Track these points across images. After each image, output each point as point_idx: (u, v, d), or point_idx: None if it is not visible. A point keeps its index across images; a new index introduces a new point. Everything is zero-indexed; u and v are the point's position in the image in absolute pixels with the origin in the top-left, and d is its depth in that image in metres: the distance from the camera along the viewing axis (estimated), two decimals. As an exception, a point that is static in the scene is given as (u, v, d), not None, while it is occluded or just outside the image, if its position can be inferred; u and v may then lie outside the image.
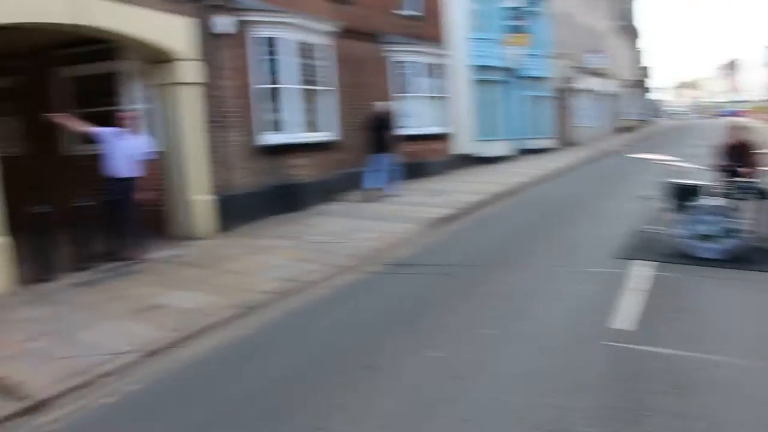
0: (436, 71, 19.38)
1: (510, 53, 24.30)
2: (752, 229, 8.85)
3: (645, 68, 72.44)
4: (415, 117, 17.94)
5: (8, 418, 4.72)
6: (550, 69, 29.27)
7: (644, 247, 9.17)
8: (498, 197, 14.86)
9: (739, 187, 8.74)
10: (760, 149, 9.56)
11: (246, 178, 11.86)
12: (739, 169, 9.12)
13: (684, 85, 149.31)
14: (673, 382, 4.95)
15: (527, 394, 4.83)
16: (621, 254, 8.95)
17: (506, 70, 24.33)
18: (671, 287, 7.43)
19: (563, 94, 31.86)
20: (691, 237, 8.53)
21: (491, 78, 23.17)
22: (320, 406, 4.75)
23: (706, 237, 8.45)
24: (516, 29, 24.68)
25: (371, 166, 14.62)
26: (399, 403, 4.76)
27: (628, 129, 48.01)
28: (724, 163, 9.47)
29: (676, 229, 8.75)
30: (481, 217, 12.68)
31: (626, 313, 6.51)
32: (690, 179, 9.44)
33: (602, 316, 6.44)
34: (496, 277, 8.05)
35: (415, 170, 17.48)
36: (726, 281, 7.64)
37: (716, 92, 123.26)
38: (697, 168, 9.54)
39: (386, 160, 14.68)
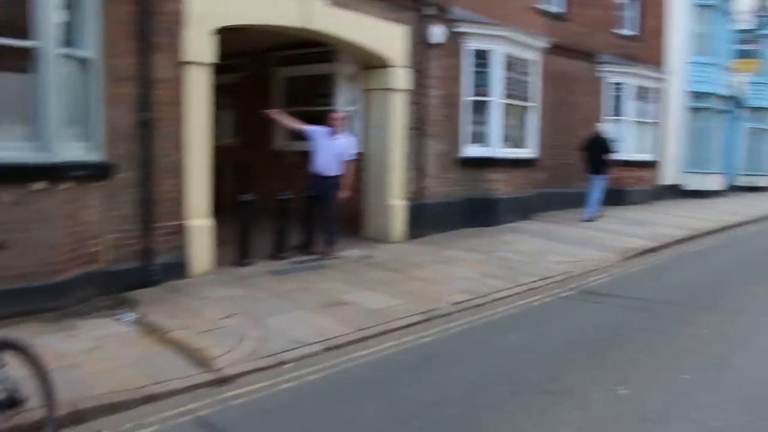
0: (650, 95, 18.38)
1: (735, 80, 22.43)
2: None
3: None
4: (623, 142, 17.06)
5: (199, 386, 5.02)
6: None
7: None
8: (703, 234, 13.68)
9: None
10: None
11: (441, 187, 11.90)
12: None
13: None
14: None
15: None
16: None
17: (727, 98, 22.47)
18: None
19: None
20: None
21: (709, 106, 21.47)
22: (498, 426, 4.55)
23: None
24: (745, 54, 22.73)
25: (590, 187, 14.62)
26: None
27: None
28: None
29: None
30: (682, 254, 11.71)
31: None
32: None
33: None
34: (697, 319, 7.35)
35: (618, 197, 16.66)
36: None
37: None
38: None
39: (601, 182, 14.51)
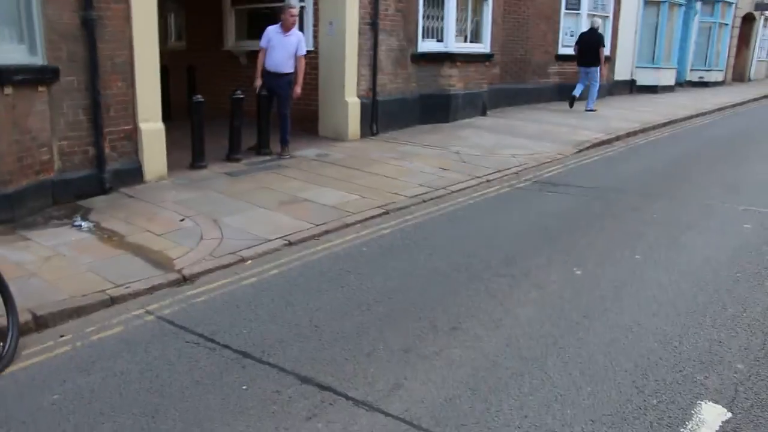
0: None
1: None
2: None
3: None
4: (574, 37, 16.96)
5: (160, 287, 5.01)
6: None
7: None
8: (654, 127, 13.90)
9: None
10: None
11: (396, 84, 11.74)
12: None
13: None
14: None
15: (676, 323, 4.50)
16: None
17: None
18: None
19: (746, 23, 28.95)
20: None
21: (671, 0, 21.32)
22: (458, 308, 4.69)
23: None
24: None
25: (585, 80, 15.46)
26: (538, 313, 4.60)
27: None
28: None
29: None
30: (634, 146, 11.93)
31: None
32: None
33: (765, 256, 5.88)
34: (648, 206, 7.57)
35: (566, 92, 16.64)
36: None
37: None
38: None
39: (597, 74, 15.41)
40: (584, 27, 16.94)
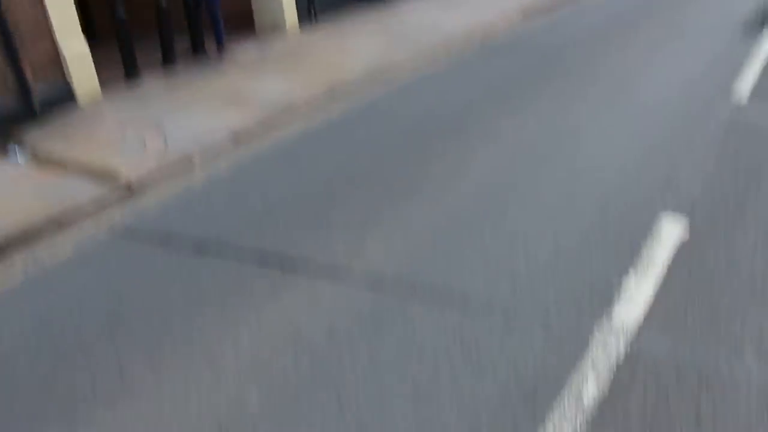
0: None
1: None
2: None
3: None
4: None
5: (110, 202, 4.85)
6: None
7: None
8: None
9: None
10: None
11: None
12: None
13: None
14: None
15: (635, 156, 4.48)
16: (740, 31, 8.09)
17: None
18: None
19: None
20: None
21: None
22: (416, 169, 4.62)
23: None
24: None
25: None
26: (496, 163, 4.55)
27: None
28: None
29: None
30: (579, 10, 11.61)
31: (743, 86, 5.93)
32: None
33: (718, 88, 5.87)
34: (596, 59, 7.46)
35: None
36: None
37: None
38: None
39: None
40: None
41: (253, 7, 10.55)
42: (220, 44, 9.01)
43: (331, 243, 3.72)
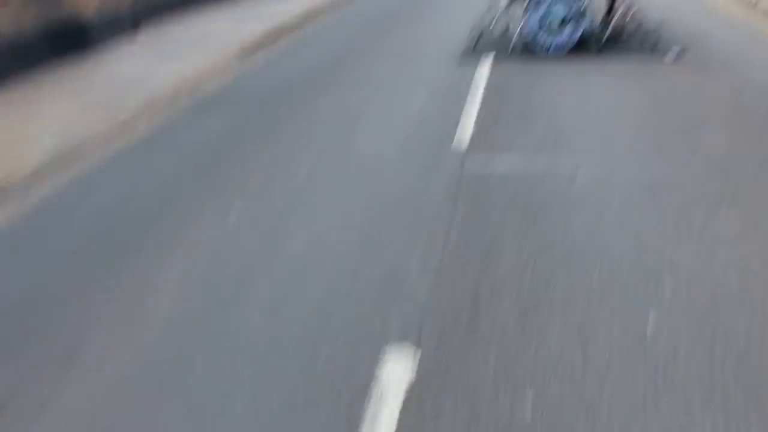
0: None
1: None
2: (607, 11, 8.08)
3: None
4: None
5: None
6: None
7: (486, 46, 8.16)
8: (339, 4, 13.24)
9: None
10: None
11: (6, 19, 9.40)
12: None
13: None
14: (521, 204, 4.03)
15: (342, 244, 3.73)
16: (461, 56, 7.99)
17: None
18: (514, 88, 6.59)
19: None
20: (537, 28, 7.55)
21: None
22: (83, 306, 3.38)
23: (552, 27, 7.49)
24: None
25: None
26: (184, 283, 3.52)
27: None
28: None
29: (521, 21, 7.74)
30: (304, 37, 11.09)
31: (467, 124, 5.53)
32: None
33: (439, 133, 5.42)
34: (319, 100, 6.77)
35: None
36: (574, 74, 6.96)
37: None
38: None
39: None
40: None
41: None
42: None
43: None
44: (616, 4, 8.27)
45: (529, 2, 7.61)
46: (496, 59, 7.61)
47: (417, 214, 4.07)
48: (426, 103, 6.34)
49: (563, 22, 7.43)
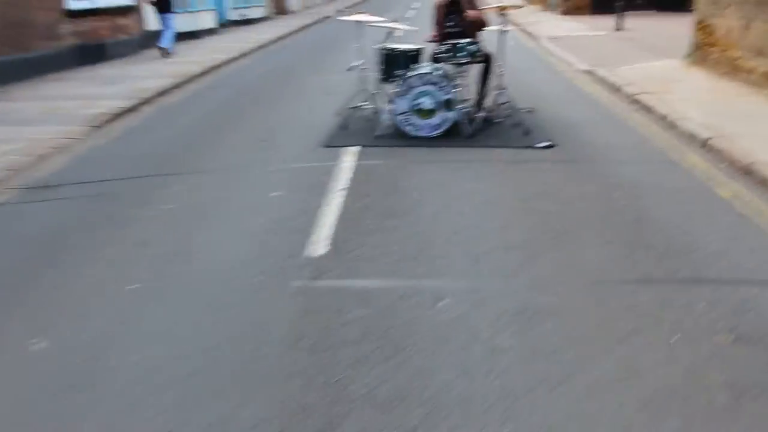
0: None
1: None
2: (477, 99, 7.90)
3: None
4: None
5: None
6: None
7: (352, 131, 7.76)
8: (191, 79, 12.50)
9: (461, 51, 7.43)
10: (481, 4, 8.32)
11: None
12: (462, 29, 7.84)
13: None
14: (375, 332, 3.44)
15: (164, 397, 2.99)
16: (324, 142, 7.51)
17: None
18: (379, 181, 6.10)
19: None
20: (406, 112, 7.17)
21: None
22: None
23: (422, 111, 7.13)
24: None
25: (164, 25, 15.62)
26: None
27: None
28: (443, 23, 8.10)
29: (390, 104, 7.36)
30: (165, 107, 10.31)
31: (323, 229, 4.93)
32: (406, 44, 7.99)
33: (294, 236, 4.78)
34: (164, 191, 6.01)
35: (93, 54, 14.30)
36: (442, 164, 6.54)
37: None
38: (415, 30, 8.13)
39: (171, 20, 15.83)
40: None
41: None
42: None
43: None
44: (487, 90, 8.12)
45: (399, 86, 7.24)
46: (364, 144, 7.17)
47: (253, 356, 3.39)
48: (283, 198, 5.72)
49: (434, 107, 7.10)
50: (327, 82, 11.32)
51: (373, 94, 8.06)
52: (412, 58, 7.62)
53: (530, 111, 8.41)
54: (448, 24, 8.01)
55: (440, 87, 7.08)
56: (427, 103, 7.10)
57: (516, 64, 8.44)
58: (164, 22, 15.88)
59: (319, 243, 4.68)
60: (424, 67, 7.43)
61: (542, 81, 11.28)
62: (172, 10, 16.00)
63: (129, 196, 5.98)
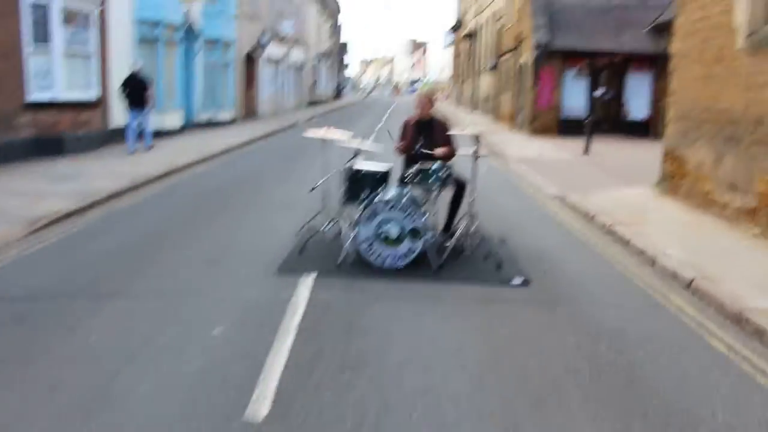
0: (86, 21, 15.42)
1: (186, 8, 21.12)
2: (446, 225, 7.42)
3: (340, 42, 73.48)
4: (51, 78, 14.08)
5: None
6: (236, 32, 26.65)
7: (312, 256, 7.11)
8: (147, 182, 11.92)
9: (431, 176, 6.99)
10: (451, 128, 7.97)
11: None
12: (432, 151, 7.41)
13: (375, 62, 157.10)
14: None
15: None
16: (279, 267, 6.83)
17: (182, 29, 21.04)
18: (337, 320, 5.40)
19: (249, 62, 29.52)
20: (370, 240, 6.59)
21: (163, 37, 19.64)
22: None
23: (387, 240, 6.57)
24: (189, -20, 21.61)
25: (132, 122, 15.65)
26: None
27: (316, 103, 47.62)
28: (412, 144, 7.68)
29: (353, 229, 6.77)
30: (115, 212, 9.62)
31: (268, 383, 4.21)
32: (374, 163, 7.55)
33: (229, 397, 4.05)
34: (88, 318, 5.26)
35: (51, 147, 13.74)
36: (408, 302, 5.89)
37: (404, 70, 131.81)
38: (382, 150, 7.71)
39: (147, 116, 16.08)
40: (59, 66, 14.21)
41: None
42: None
43: None
44: (456, 219, 7.65)
45: (363, 211, 6.71)
46: (322, 273, 6.51)
47: None
48: (225, 336, 5.00)
49: (400, 235, 6.56)
50: (289, 195, 10.81)
51: (335, 217, 7.51)
52: (379, 180, 7.16)
53: (502, 241, 7.95)
54: (416, 144, 7.62)
55: (407, 215, 6.56)
56: (393, 231, 6.56)
57: (484, 184, 8.02)
58: (137, 117, 15.76)
59: (262, 401, 3.95)
60: (391, 191, 6.96)
61: (512, 206, 10.94)
62: (144, 105, 15.82)
63: (47, 321, 5.21)
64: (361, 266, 6.66)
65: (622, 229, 8.65)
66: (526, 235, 8.60)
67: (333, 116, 36.24)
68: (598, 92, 23.25)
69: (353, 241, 6.71)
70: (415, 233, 6.55)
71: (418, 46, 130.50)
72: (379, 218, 6.56)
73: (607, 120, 22.63)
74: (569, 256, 7.73)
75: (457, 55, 58.46)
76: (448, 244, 7.10)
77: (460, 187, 7.53)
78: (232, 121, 26.02)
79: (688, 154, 10.55)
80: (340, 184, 7.35)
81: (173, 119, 20.14)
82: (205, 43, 23.76)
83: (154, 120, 19.03)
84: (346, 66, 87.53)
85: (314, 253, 7.12)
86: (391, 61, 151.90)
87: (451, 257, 6.98)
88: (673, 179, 10.99)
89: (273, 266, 6.75)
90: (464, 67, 51.74)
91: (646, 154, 17.53)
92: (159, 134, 18.77)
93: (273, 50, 33.42)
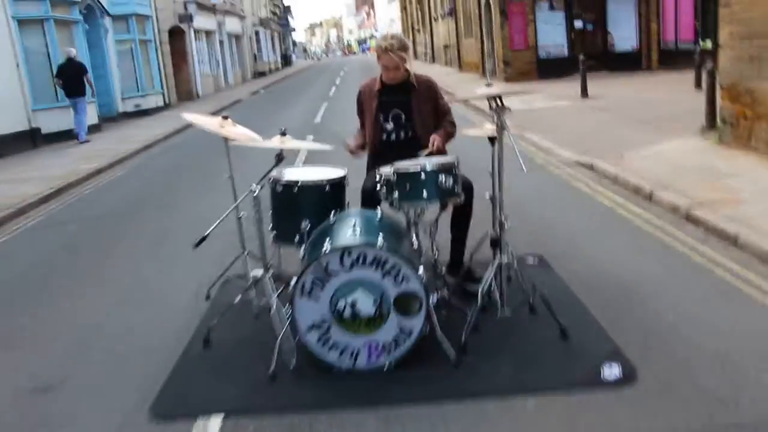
0: None
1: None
2: (455, 261, 4.30)
3: (283, 6, 69.44)
4: None
5: None
6: (152, 4, 22.95)
7: (221, 358, 3.89)
8: (22, 210, 8.70)
9: (423, 185, 3.81)
10: (440, 92, 4.76)
11: None
12: (416, 136, 4.33)
13: (324, 24, 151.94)
14: None
15: None
16: (163, 393, 3.55)
17: (79, 5, 17.35)
18: None
19: (176, 37, 25.81)
20: (325, 322, 3.43)
21: (55, 16, 15.96)
22: None
23: (354, 321, 3.42)
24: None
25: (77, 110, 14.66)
26: None
27: (263, 74, 44.02)
28: (376, 128, 4.54)
29: (290, 308, 3.58)
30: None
31: None
32: (315, 171, 4.35)
33: None
34: None
35: None
36: None
37: (353, 29, 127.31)
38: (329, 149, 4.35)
39: (84, 104, 15.04)
40: None
41: None
42: None
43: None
44: (465, 245, 4.52)
45: (306, 272, 3.49)
46: (237, 406, 3.37)
47: None
48: None
49: (379, 308, 3.42)
50: (212, 213, 7.39)
51: (258, 278, 4.21)
52: (327, 198, 3.98)
53: (536, 261, 4.90)
54: (386, 126, 4.47)
55: (388, 269, 3.40)
56: (363, 303, 3.42)
57: (475, 154, 4.70)
58: (74, 106, 14.77)
59: None
60: (351, 219, 3.77)
61: (524, 185, 7.15)
62: (84, 93, 14.82)
63: None
64: (311, 377, 3.51)
65: (711, 216, 5.62)
66: (570, 243, 5.51)
67: (280, 86, 32.74)
68: (579, 23, 20.22)
69: (293, 328, 3.54)
70: (406, 302, 3.41)
71: (363, 2, 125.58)
72: (333, 283, 3.40)
73: (594, 55, 19.45)
74: (665, 286, 4.59)
75: (404, 6, 55.17)
76: (469, 308, 3.94)
77: (466, 194, 4.28)
78: (165, 107, 22.49)
79: (763, 88, 7.51)
80: (268, 211, 4.15)
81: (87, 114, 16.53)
82: (114, 19, 20.08)
83: (53, 119, 15.58)
84: (293, 30, 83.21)
85: (226, 351, 3.92)
86: (339, 21, 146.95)
87: (475, 326, 3.83)
88: (739, 125, 7.96)
89: (149, 391, 3.55)
90: (415, 18, 48.46)
91: (657, 91, 14.55)
92: (68, 133, 15.34)
93: (202, 21, 29.61)
